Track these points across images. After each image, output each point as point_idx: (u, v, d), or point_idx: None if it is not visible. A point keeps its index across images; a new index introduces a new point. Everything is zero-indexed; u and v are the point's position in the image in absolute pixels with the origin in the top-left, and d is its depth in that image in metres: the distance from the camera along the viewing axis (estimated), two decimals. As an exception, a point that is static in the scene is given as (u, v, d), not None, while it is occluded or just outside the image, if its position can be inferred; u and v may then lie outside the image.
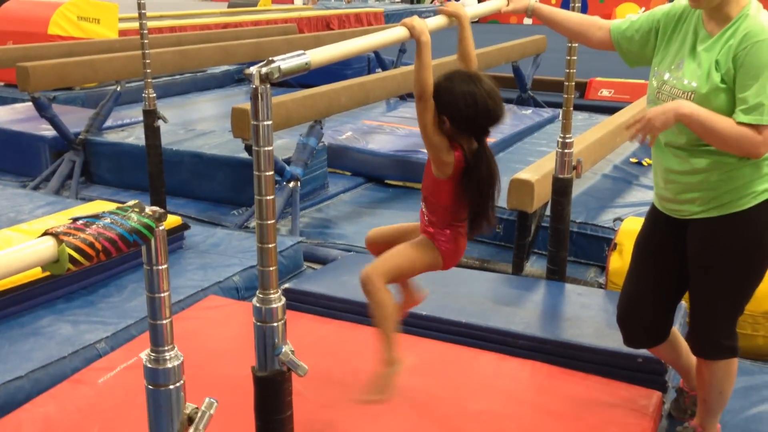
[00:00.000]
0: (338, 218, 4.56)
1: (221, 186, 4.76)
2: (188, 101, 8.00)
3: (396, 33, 1.91)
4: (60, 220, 3.43)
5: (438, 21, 2.11)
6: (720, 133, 1.88)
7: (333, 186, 5.02)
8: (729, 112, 1.90)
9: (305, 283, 3.14)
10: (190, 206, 4.63)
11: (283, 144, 4.83)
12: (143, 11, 4.12)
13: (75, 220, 1.21)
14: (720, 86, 1.90)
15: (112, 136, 5.36)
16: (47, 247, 1.12)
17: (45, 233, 1.15)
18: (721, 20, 1.95)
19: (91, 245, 1.16)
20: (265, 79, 1.49)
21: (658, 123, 1.91)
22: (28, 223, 3.49)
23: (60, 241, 1.13)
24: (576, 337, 2.61)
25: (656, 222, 2.20)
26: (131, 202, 1.31)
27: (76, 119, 5.51)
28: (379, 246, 2.26)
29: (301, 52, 1.64)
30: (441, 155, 2.00)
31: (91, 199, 4.57)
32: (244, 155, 4.48)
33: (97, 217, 1.23)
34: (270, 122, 1.52)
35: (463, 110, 1.95)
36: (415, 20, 1.92)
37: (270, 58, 1.55)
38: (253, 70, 1.50)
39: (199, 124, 6.30)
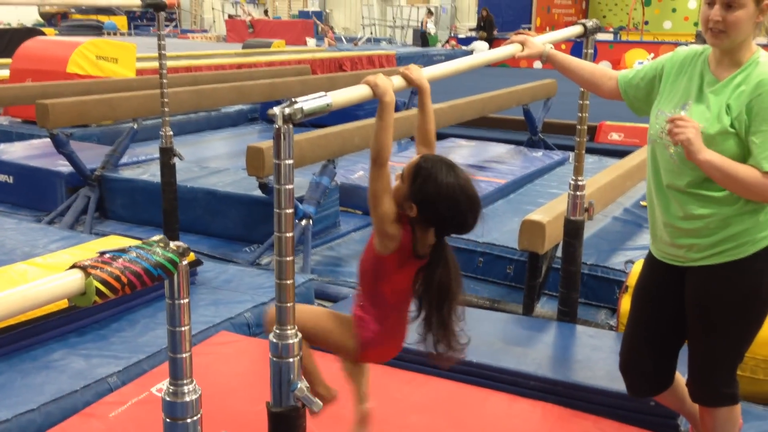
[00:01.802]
0: (349, 257, 4.59)
1: (234, 223, 4.80)
2: (202, 139, 8.11)
3: (359, 91, 1.75)
4: (74, 254, 3.47)
5: (398, 82, 1.90)
6: (742, 180, 1.89)
7: (345, 224, 5.06)
8: (735, 156, 1.93)
9: (317, 320, 3.15)
10: (203, 242, 4.67)
11: (297, 183, 4.86)
12: (163, 51, 4.21)
13: (102, 253, 1.24)
14: (729, 130, 1.93)
15: (127, 173, 5.43)
16: (75, 280, 1.15)
17: (73, 266, 1.18)
18: (731, 65, 1.98)
19: (118, 278, 1.19)
20: (288, 119, 1.54)
21: (690, 135, 1.89)
22: (43, 257, 3.52)
23: (87, 274, 1.16)
24: (588, 379, 2.61)
25: (653, 270, 2.20)
26: (156, 237, 1.34)
27: (92, 155, 5.59)
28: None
29: (323, 93, 1.68)
30: (386, 226, 1.76)
31: (105, 235, 4.61)
32: (257, 193, 4.52)
33: (123, 251, 1.27)
34: (291, 161, 1.56)
35: (439, 213, 1.75)
36: (378, 78, 1.75)
37: (293, 99, 1.59)
38: (276, 110, 1.55)
39: (213, 162, 6.38)
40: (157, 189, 4.67)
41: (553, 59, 2.44)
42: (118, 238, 3.95)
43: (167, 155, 4.33)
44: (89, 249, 3.54)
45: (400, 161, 6.65)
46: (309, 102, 1.60)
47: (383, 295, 1.85)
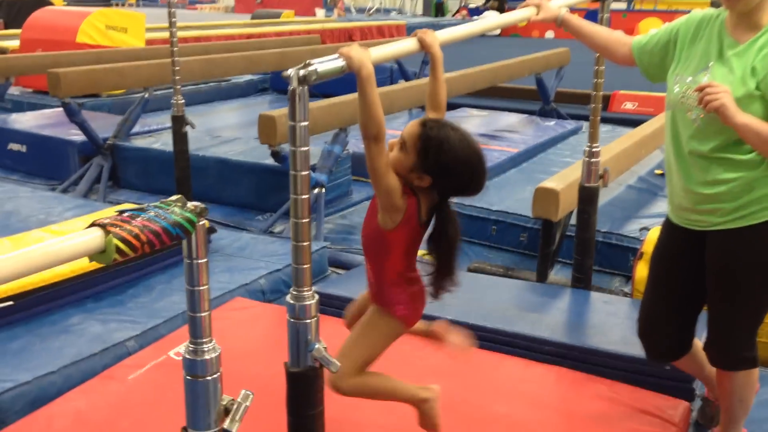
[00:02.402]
0: (362, 225, 4.58)
1: (246, 191, 4.81)
2: (213, 109, 8.10)
3: (335, 63, 1.59)
4: (89, 222, 3.48)
5: (408, 45, 1.86)
6: None
7: (357, 193, 5.05)
8: (761, 119, 1.90)
9: (330, 287, 3.17)
10: (216, 211, 4.68)
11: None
12: (174, 19, 4.19)
13: (121, 212, 1.24)
14: (755, 93, 1.90)
15: (139, 142, 5.44)
16: (95, 238, 1.15)
17: (93, 224, 1.18)
18: (749, 28, 1.95)
19: (137, 237, 1.19)
20: (302, 80, 1.53)
21: (724, 100, 1.85)
22: (58, 224, 3.55)
23: (107, 232, 1.16)
24: (602, 344, 2.61)
25: (672, 235, 2.18)
26: (174, 197, 1.34)
27: (104, 125, 5.60)
28: (354, 320, 2.04)
29: (336, 56, 1.67)
30: (394, 200, 1.71)
31: (118, 203, 4.63)
32: (269, 162, 4.52)
33: (142, 210, 1.27)
34: (306, 123, 1.55)
35: (459, 182, 1.74)
36: (353, 50, 1.60)
37: (307, 61, 1.58)
38: (291, 72, 1.54)
39: (225, 131, 6.36)
40: (169, 157, 4.68)
41: (567, 23, 2.41)
42: (131, 206, 3.96)
43: (179, 123, 4.33)
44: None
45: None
46: (323, 64, 1.59)
47: (393, 264, 1.83)
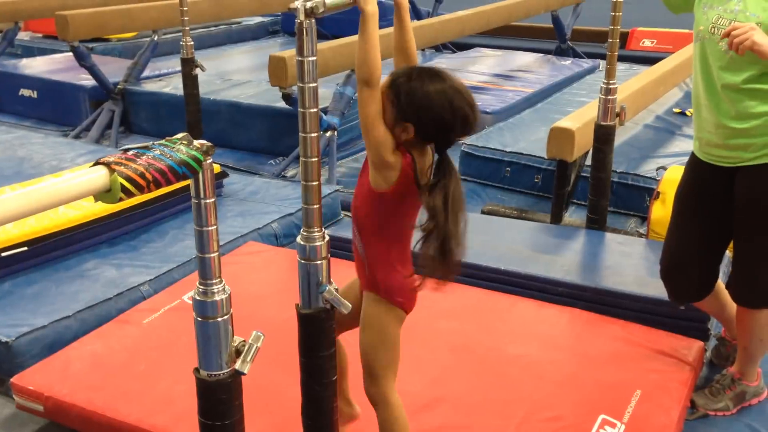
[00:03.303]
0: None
1: (258, 135, 4.77)
2: (223, 53, 7.98)
3: None
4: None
5: None
6: None
7: (369, 136, 4.99)
8: None
9: (343, 230, 3.15)
10: (228, 155, 4.65)
11: (320, 94, 4.80)
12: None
13: (126, 150, 1.22)
14: None
15: (150, 86, 5.39)
16: (100, 177, 1.13)
17: (97, 163, 1.16)
18: None
19: (142, 175, 1.16)
20: (310, 13, 1.47)
21: (754, 38, 1.78)
22: (70, 170, 3.54)
23: (112, 171, 1.14)
24: (616, 285, 2.59)
25: (698, 172, 2.14)
26: (180, 135, 1.31)
27: (114, 69, 5.54)
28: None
29: (346, -13, 1.61)
30: (385, 154, 1.57)
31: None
32: (281, 105, 4.46)
33: (147, 148, 1.24)
34: (314, 58, 1.50)
35: (438, 119, 1.56)
36: None
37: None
38: (297, 4, 1.48)
39: (235, 75, 6.28)
40: (180, 102, 4.63)
41: None
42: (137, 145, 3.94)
43: (189, 66, 4.27)
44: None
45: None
46: (335, -6, 1.53)
47: (389, 234, 1.67)
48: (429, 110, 1.56)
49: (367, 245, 1.70)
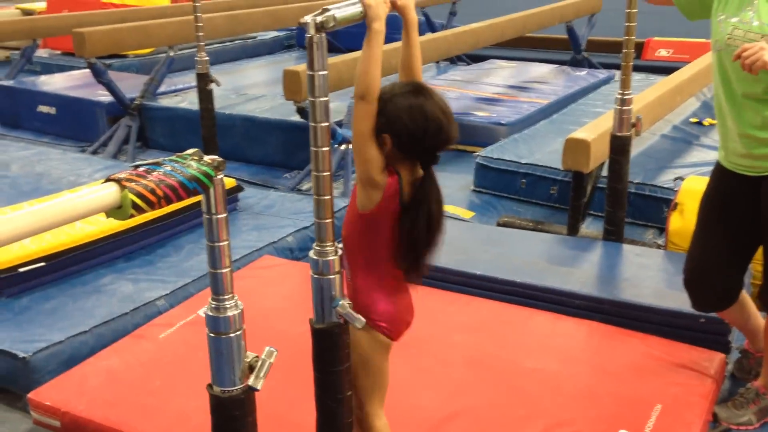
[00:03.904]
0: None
1: (273, 149, 4.78)
2: (239, 67, 8.04)
3: (353, 8, 1.55)
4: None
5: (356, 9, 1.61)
6: None
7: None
8: None
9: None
10: (243, 169, 4.67)
11: (335, 107, 4.82)
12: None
13: (137, 167, 1.22)
14: None
15: (166, 101, 5.43)
16: (111, 193, 1.13)
17: (108, 179, 1.16)
18: None
19: (153, 192, 1.17)
20: (320, 27, 1.47)
21: (766, 57, 1.76)
22: (88, 185, 3.56)
23: (123, 187, 1.14)
24: (635, 297, 2.56)
25: (723, 181, 2.11)
26: (190, 150, 1.32)
27: (131, 85, 5.59)
28: None
29: (357, 1, 1.61)
30: (373, 172, 1.56)
31: (147, 163, 4.65)
32: (296, 118, 4.48)
33: (157, 164, 1.25)
34: (325, 72, 1.50)
35: (410, 127, 1.55)
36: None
37: (324, 7, 1.53)
38: (308, 18, 1.48)
39: (251, 89, 6.32)
40: (195, 116, 4.66)
41: None
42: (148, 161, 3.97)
43: (204, 81, 4.30)
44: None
45: (440, 84, 6.48)
46: (342, 9, 1.53)
47: (375, 264, 1.64)
48: (401, 119, 1.56)
49: (353, 269, 1.67)
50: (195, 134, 4.63)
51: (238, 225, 3.42)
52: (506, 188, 4.10)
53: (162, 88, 5.58)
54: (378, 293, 1.66)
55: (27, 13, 8.56)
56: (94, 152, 5.11)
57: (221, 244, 1.31)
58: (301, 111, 4.06)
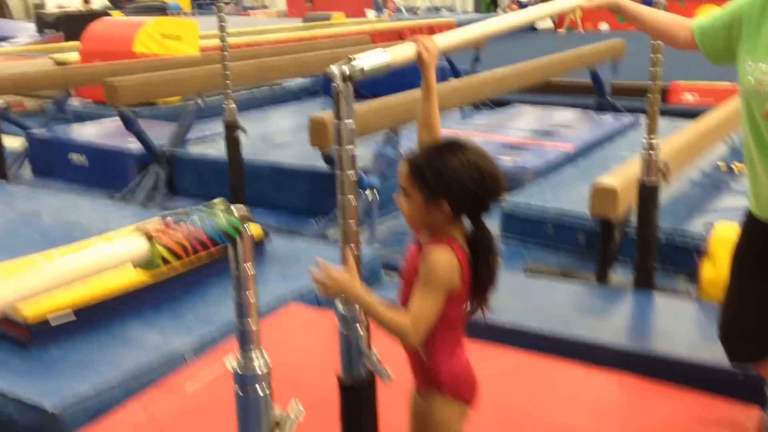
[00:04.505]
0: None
1: (299, 196, 4.81)
2: (265, 114, 8.14)
3: (380, 58, 1.58)
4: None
5: (406, 53, 1.66)
6: None
7: (409, 195, 4.99)
8: None
9: (385, 292, 3.12)
10: (270, 216, 4.69)
11: (360, 154, 4.82)
12: (223, 24, 4.21)
13: (164, 218, 1.22)
14: None
15: (194, 149, 5.50)
16: (139, 245, 1.13)
17: (136, 230, 1.16)
18: None
19: (181, 244, 1.17)
20: (346, 77, 1.48)
21: None
22: (116, 231, 3.59)
23: (150, 239, 1.14)
24: (668, 350, 2.49)
25: (756, 231, 2.06)
26: (217, 200, 1.32)
27: (159, 133, 5.68)
28: None
29: (381, 50, 1.62)
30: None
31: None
32: (322, 165, 4.51)
33: (185, 214, 1.25)
34: (351, 121, 1.51)
35: (470, 186, 1.49)
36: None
37: (350, 56, 1.54)
38: (334, 68, 1.50)
39: (277, 136, 6.39)
40: (223, 164, 4.71)
41: (623, 9, 2.30)
42: (176, 211, 3.99)
43: (232, 129, 4.35)
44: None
45: (465, 129, 6.48)
46: (368, 59, 1.54)
47: (451, 321, 1.56)
48: (459, 181, 1.49)
49: (426, 350, 1.56)
50: (222, 181, 4.68)
51: (264, 272, 3.41)
52: (533, 235, 4.06)
53: (190, 135, 5.66)
54: (451, 352, 1.57)
55: (60, 63, 8.80)
56: (123, 199, 5.17)
57: (248, 296, 1.30)
58: (327, 158, 4.08)
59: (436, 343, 1.54)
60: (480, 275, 1.55)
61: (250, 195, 4.65)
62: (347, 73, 1.46)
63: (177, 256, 1.15)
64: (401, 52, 1.63)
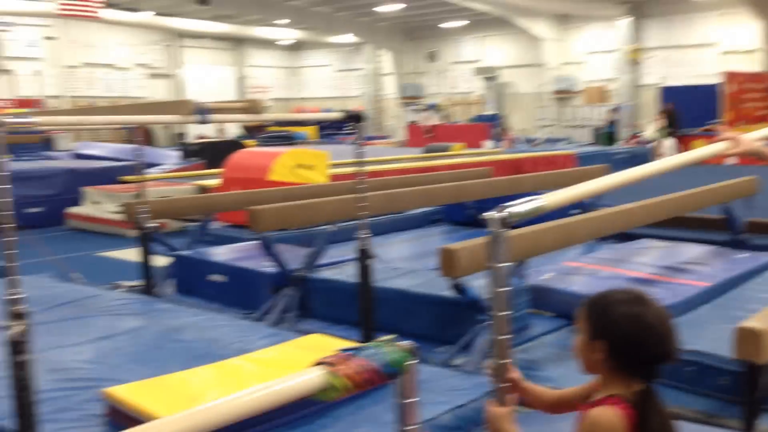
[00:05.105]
0: (544, 360, 4.46)
1: (426, 323, 4.87)
2: (390, 241, 8.40)
3: (531, 205, 1.66)
4: (281, 351, 3.69)
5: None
6: None
7: (535, 327, 4.95)
8: None
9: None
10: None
11: (478, 283, 4.89)
12: (362, 158, 4.51)
13: (341, 351, 1.33)
14: None
15: (325, 273, 5.74)
16: (321, 376, 1.24)
17: (318, 363, 1.27)
18: None
19: (358, 375, 1.26)
20: (504, 224, 1.58)
21: None
22: (256, 353, 3.77)
23: (332, 371, 1.24)
24: None
25: None
26: (386, 337, 1.42)
27: (291, 257, 5.98)
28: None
29: (534, 197, 1.72)
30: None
31: (307, 332, 4.85)
32: (448, 293, 4.58)
33: (358, 349, 1.35)
34: (506, 265, 1.59)
35: (628, 335, 1.51)
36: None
37: (503, 204, 1.65)
38: (492, 215, 1.60)
39: (402, 263, 6.56)
40: (352, 288, 4.88)
41: (765, 156, 2.35)
42: (319, 336, 4.14)
43: (365, 257, 4.53)
44: (295, 346, 3.75)
45: (589, 262, 6.38)
46: (524, 205, 1.64)
47: None
48: (619, 326, 1.52)
49: None
50: (352, 306, 4.83)
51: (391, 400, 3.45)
52: (671, 376, 3.89)
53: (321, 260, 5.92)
54: None
55: (203, 188, 9.56)
56: (258, 319, 5.42)
57: (413, 428, 1.36)
58: (457, 287, 4.16)
59: None
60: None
61: (377, 320, 4.76)
62: (505, 219, 1.57)
63: (355, 386, 1.24)
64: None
